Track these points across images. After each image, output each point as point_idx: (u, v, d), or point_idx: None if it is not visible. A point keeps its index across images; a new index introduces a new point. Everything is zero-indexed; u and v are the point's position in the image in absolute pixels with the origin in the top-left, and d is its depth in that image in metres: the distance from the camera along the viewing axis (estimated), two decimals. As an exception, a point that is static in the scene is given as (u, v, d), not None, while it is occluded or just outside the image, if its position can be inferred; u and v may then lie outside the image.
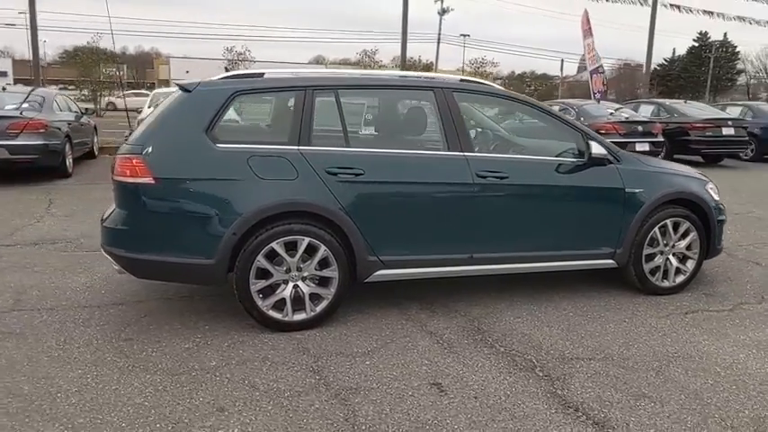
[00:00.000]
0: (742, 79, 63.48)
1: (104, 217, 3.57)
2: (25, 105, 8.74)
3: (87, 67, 27.07)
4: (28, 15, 14.15)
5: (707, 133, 12.74)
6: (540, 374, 3.00)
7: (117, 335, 3.36)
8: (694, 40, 61.36)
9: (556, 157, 4.02)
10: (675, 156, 12.22)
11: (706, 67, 57.05)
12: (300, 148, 3.43)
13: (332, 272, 3.44)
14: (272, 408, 2.62)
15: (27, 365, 2.97)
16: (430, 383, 2.87)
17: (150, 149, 3.27)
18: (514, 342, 3.39)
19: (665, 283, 4.24)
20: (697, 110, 14.13)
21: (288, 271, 3.39)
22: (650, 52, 21.26)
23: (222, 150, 3.33)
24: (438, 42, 44.09)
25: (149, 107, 11.70)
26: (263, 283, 3.36)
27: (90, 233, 5.62)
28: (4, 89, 11.07)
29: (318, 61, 59.57)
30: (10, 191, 7.86)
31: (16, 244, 5.27)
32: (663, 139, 12.07)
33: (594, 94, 14.72)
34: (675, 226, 4.19)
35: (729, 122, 13.07)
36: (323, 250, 3.39)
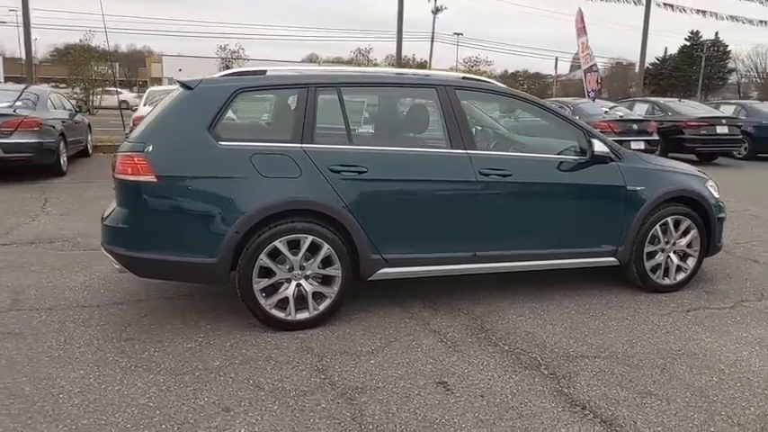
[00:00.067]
0: (733, 78, 63.95)
1: (105, 215, 3.52)
2: (19, 103, 8.65)
3: (79, 65, 26.86)
4: (21, 13, 13.98)
5: (701, 132, 12.81)
6: (546, 373, 2.99)
7: (118, 335, 3.32)
8: (686, 39, 61.77)
9: (558, 154, 4.02)
10: (670, 154, 12.27)
11: (697, 66, 57.41)
12: (303, 145, 3.40)
13: (335, 270, 3.42)
14: (278, 407, 2.60)
15: (27, 366, 2.93)
16: (436, 382, 2.86)
17: (152, 147, 3.23)
18: (518, 340, 3.38)
19: (666, 281, 4.25)
20: (691, 108, 14.21)
21: (291, 269, 3.37)
22: (644, 51, 21.37)
23: (225, 148, 3.30)
24: (432, 41, 44.07)
25: (145, 105, 11.62)
26: (265, 282, 3.33)
27: (86, 232, 5.57)
28: (-4, 87, 10.96)
29: (311, 60, 59.39)
30: (4, 189, 7.78)
31: (12, 243, 5.21)
32: (658, 138, 12.12)
33: (588, 92, 14.78)
34: (676, 223, 4.20)
35: (723, 121, 13.14)
36: (326, 248, 3.37)
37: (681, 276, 4.28)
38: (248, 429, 2.43)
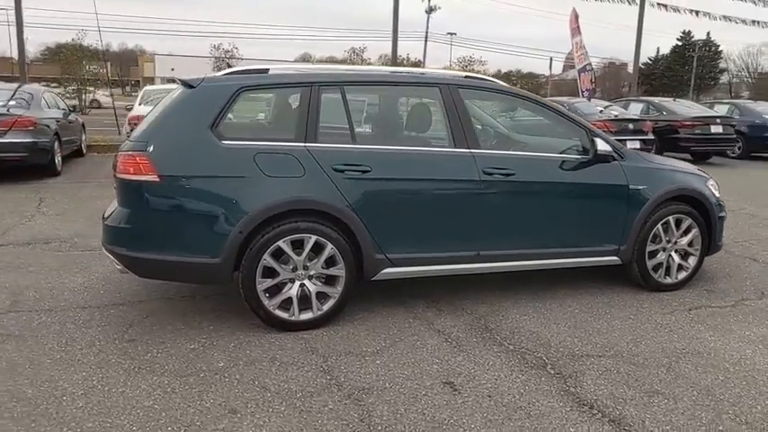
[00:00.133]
0: (724, 78, 64.32)
1: (106, 215, 3.49)
2: (12, 102, 8.56)
3: (71, 64, 26.64)
4: (14, 11, 13.83)
5: (696, 131, 12.88)
6: (552, 372, 2.98)
7: (120, 336, 3.29)
8: (678, 39, 62.01)
9: (560, 153, 4.01)
10: (665, 153, 12.32)
11: (689, 65, 57.72)
12: (307, 144, 3.38)
13: (339, 270, 3.40)
14: (286, 409, 2.57)
15: (29, 368, 2.89)
16: (442, 382, 2.84)
17: (154, 147, 3.20)
18: (523, 340, 3.37)
19: (668, 280, 4.26)
20: (686, 108, 14.27)
21: (294, 269, 3.34)
22: (638, 51, 21.41)
23: (228, 147, 3.27)
24: (426, 41, 44.06)
25: (140, 104, 11.55)
26: (269, 282, 3.31)
27: (83, 232, 5.52)
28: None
29: (305, 59, 59.24)
30: (-2, 189, 7.71)
31: (8, 243, 5.15)
32: (653, 137, 12.17)
33: (583, 92, 14.81)
34: (678, 222, 4.21)
35: (718, 120, 13.22)
36: (330, 248, 3.35)
37: (682, 275, 4.29)
38: (256, 431, 2.40)
